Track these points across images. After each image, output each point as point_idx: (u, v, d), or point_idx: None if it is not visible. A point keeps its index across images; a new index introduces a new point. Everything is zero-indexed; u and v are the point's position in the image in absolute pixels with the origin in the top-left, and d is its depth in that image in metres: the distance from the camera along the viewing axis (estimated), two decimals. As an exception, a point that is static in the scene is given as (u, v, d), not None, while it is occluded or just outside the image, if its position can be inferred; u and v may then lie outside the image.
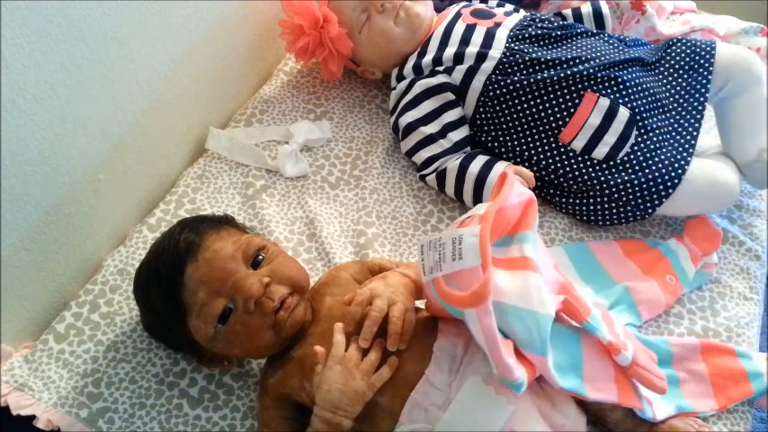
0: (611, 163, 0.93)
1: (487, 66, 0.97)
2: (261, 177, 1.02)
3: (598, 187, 0.93)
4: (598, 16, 1.10)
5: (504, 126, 0.98)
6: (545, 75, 0.95)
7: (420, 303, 0.75)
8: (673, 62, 0.99)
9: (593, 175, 0.93)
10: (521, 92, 0.96)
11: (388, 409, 0.67)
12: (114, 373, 0.81)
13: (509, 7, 1.10)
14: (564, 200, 0.97)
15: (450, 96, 1.00)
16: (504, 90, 0.96)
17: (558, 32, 1.00)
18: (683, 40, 1.00)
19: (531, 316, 0.62)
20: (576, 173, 0.94)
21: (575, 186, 0.95)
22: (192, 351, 0.78)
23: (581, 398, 0.68)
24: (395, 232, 0.97)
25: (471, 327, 0.63)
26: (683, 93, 0.97)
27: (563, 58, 0.96)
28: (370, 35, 1.04)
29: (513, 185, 0.68)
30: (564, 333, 0.69)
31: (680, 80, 0.97)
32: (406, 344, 0.69)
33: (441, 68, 1.00)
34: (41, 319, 0.86)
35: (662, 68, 0.99)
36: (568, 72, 0.94)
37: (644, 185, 0.91)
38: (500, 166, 0.94)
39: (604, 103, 0.93)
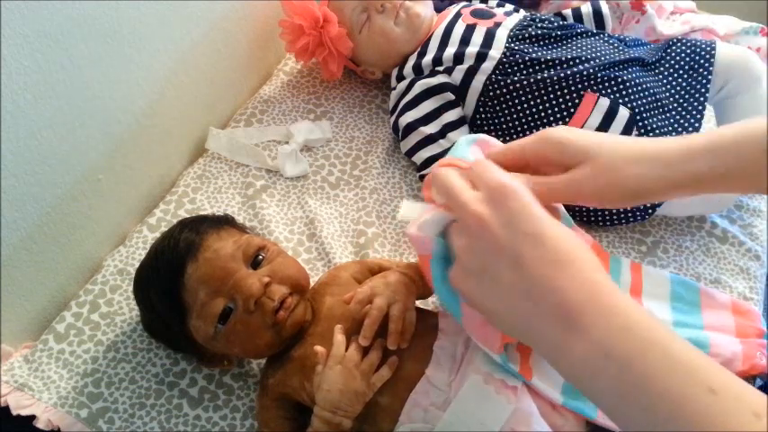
0: (611, 163, 0.93)
1: (487, 66, 0.98)
2: (261, 177, 1.02)
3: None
4: (598, 16, 1.11)
5: (505, 126, 0.98)
6: (545, 75, 0.95)
7: (420, 303, 0.75)
8: (673, 62, 0.99)
9: (593, 175, 0.93)
10: (521, 92, 0.96)
11: (389, 409, 0.67)
12: (114, 373, 0.81)
13: (509, 7, 1.10)
14: (564, 200, 0.97)
15: (450, 96, 1.00)
16: (504, 90, 0.96)
17: (558, 32, 1.00)
18: (683, 40, 1.00)
19: None
20: (576, 173, 0.94)
21: (575, 186, 0.95)
22: (192, 351, 0.78)
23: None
24: (395, 232, 0.97)
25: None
26: (683, 93, 0.97)
27: (563, 58, 0.96)
28: (370, 35, 1.04)
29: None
30: None
31: (680, 80, 0.97)
32: (407, 343, 0.69)
33: (441, 68, 1.00)
34: (41, 319, 0.86)
35: (662, 68, 0.99)
36: (568, 72, 0.94)
37: (644, 185, 0.91)
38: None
39: (604, 103, 0.93)
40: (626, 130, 0.93)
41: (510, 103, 0.97)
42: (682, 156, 0.57)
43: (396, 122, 1.03)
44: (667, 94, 0.97)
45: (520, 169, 0.60)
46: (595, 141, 0.58)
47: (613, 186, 0.56)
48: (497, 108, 0.98)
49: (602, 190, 0.57)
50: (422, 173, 1.01)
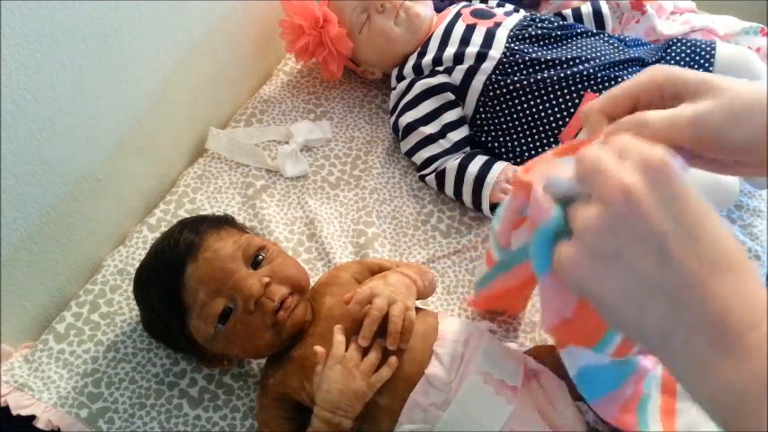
0: (611, 163, 0.93)
1: (487, 66, 0.98)
2: (261, 177, 1.02)
3: None
4: (598, 16, 1.11)
5: (504, 126, 0.98)
6: (545, 75, 0.95)
7: (420, 303, 0.75)
8: (673, 62, 0.99)
9: (593, 175, 0.93)
10: (521, 92, 0.96)
11: (388, 409, 0.67)
12: (114, 373, 0.81)
13: (509, 7, 1.10)
14: (564, 200, 0.97)
15: (449, 96, 1.00)
16: (504, 90, 0.96)
17: (558, 32, 1.00)
18: (683, 40, 1.00)
19: None
20: (576, 173, 0.94)
21: (575, 186, 0.95)
22: (192, 351, 0.78)
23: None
24: (395, 232, 0.97)
25: None
26: (682, 93, 0.97)
27: (563, 58, 0.96)
28: (370, 35, 1.04)
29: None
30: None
31: (680, 80, 0.97)
32: (407, 343, 0.69)
33: (441, 68, 1.00)
34: (41, 319, 0.86)
35: (662, 68, 0.99)
36: (568, 72, 0.94)
37: (644, 185, 0.91)
38: (499, 166, 0.94)
39: (604, 103, 0.93)
40: (626, 130, 0.93)
41: (510, 103, 0.97)
42: None
43: (396, 122, 1.03)
44: (667, 94, 0.97)
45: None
46: (712, 74, 0.49)
47: (749, 112, 0.46)
48: (497, 108, 0.98)
49: (736, 117, 0.46)
50: (421, 173, 1.01)
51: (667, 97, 0.50)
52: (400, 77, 1.06)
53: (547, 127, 0.95)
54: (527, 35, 1.00)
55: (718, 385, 0.38)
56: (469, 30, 1.01)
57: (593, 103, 0.52)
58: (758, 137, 0.47)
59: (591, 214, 0.41)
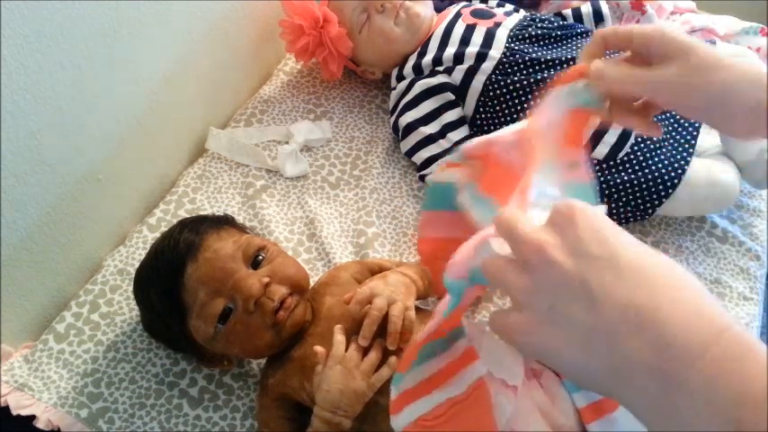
0: (611, 163, 0.93)
1: (487, 66, 0.98)
2: (261, 177, 1.02)
3: (598, 187, 0.93)
4: (598, 16, 1.11)
5: (505, 126, 0.98)
6: (545, 75, 0.95)
7: (420, 303, 0.75)
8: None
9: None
10: (521, 92, 0.96)
11: (388, 409, 0.67)
12: (114, 373, 0.81)
13: (509, 7, 1.10)
14: (564, 200, 0.97)
15: (449, 96, 1.00)
16: (504, 90, 0.96)
17: (558, 32, 1.00)
18: (683, 40, 1.00)
19: None
20: (576, 173, 0.94)
21: (575, 186, 0.95)
22: (192, 351, 0.78)
23: None
24: (395, 232, 0.97)
25: None
26: (682, 93, 0.97)
27: (563, 58, 0.96)
28: (370, 35, 1.04)
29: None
30: None
31: (680, 80, 0.97)
32: (407, 343, 0.68)
33: (441, 68, 1.00)
34: (41, 319, 0.86)
35: (662, 68, 0.99)
36: (568, 72, 0.94)
37: (644, 185, 0.91)
38: (500, 166, 0.94)
39: (604, 103, 0.93)
40: (626, 130, 0.93)
41: (510, 104, 0.97)
42: None
43: (396, 122, 1.03)
44: (667, 94, 0.97)
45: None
46: (695, 41, 0.53)
47: (697, 84, 0.51)
48: (497, 108, 0.98)
49: (682, 86, 0.51)
50: (422, 173, 1.01)
51: (653, 54, 0.53)
52: (400, 77, 1.06)
53: (547, 127, 0.95)
54: (527, 35, 1.00)
55: (681, 425, 0.35)
56: (469, 30, 1.01)
57: (600, 30, 0.57)
58: (700, 106, 0.52)
59: (516, 278, 0.41)
